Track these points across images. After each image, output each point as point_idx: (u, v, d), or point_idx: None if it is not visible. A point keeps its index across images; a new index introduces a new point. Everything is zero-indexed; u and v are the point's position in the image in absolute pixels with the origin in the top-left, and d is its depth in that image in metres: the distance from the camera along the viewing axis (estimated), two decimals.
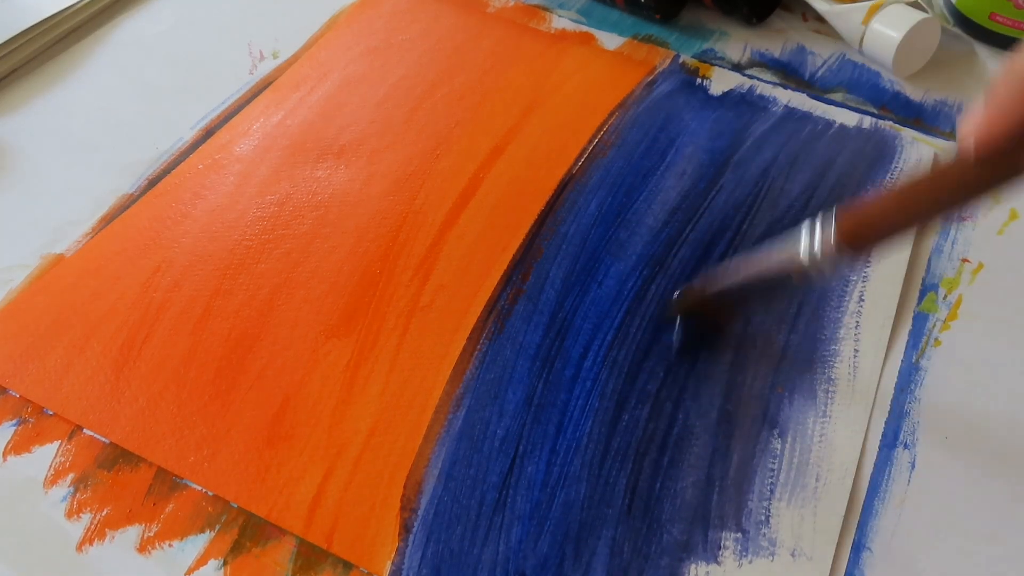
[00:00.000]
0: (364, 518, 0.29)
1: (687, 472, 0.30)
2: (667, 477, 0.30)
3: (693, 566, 0.28)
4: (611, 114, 0.42)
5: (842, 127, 0.41)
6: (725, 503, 0.29)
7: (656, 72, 0.44)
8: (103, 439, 0.31)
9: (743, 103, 0.43)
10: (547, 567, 0.28)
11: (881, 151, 0.40)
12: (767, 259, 0.29)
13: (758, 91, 0.43)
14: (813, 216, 0.27)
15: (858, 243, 0.26)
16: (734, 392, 0.32)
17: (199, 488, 0.30)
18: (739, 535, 0.28)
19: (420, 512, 0.29)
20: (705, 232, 0.37)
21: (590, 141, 0.41)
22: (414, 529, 0.28)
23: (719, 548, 0.28)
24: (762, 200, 0.38)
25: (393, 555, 0.28)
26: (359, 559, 0.28)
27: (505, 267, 0.36)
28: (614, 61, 0.45)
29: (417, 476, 0.30)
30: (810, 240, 0.26)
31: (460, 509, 0.29)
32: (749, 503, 0.29)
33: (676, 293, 0.34)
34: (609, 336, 0.33)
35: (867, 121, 0.42)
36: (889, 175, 0.39)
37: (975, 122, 0.22)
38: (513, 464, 0.30)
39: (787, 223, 0.37)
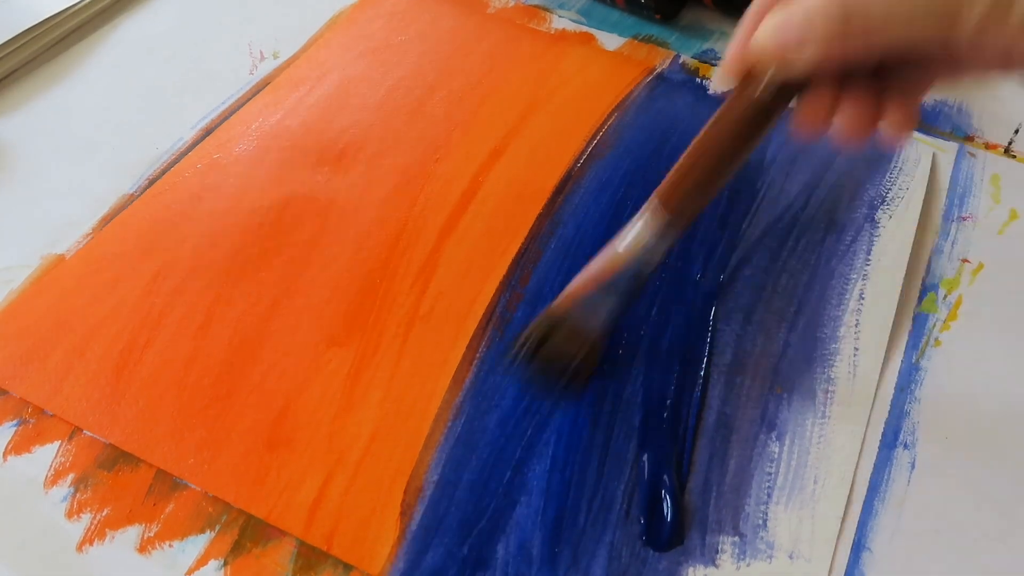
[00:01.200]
0: (364, 522, 0.29)
1: (687, 474, 0.30)
2: (667, 479, 0.30)
3: (691, 570, 0.28)
4: (610, 115, 0.42)
5: None
6: (723, 507, 0.29)
7: (656, 72, 0.44)
8: (104, 440, 0.31)
9: None
10: (546, 571, 0.28)
11: (880, 151, 0.40)
12: (594, 264, 0.27)
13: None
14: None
15: (671, 201, 0.26)
16: (732, 394, 0.32)
17: (199, 489, 0.30)
18: (736, 538, 0.28)
19: (420, 517, 0.29)
20: (705, 232, 0.37)
21: (589, 143, 0.41)
22: (414, 533, 0.28)
23: (717, 552, 0.28)
24: (761, 200, 0.38)
25: (393, 559, 0.28)
26: (359, 561, 0.28)
27: (504, 271, 0.35)
28: (613, 62, 0.45)
29: (417, 481, 0.30)
30: (632, 231, 0.27)
31: (460, 514, 0.29)
32: (747, 507, 0.29)
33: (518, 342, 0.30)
34: (608, 344, 0.33)
35: None
36: (888, 175, 0.39)
37: (731, 59, 0.26)
38: (512, 470, 0.30)
39: (787, 223, 0.37)
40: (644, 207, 0.27)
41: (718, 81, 0.26)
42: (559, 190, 0.38)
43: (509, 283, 0.35)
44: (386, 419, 0.31)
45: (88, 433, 0.31)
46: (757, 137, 0.25)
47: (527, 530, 0.28)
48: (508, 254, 0.36)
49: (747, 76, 0.25)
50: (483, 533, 0.28)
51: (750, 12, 0.26)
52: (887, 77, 0.25)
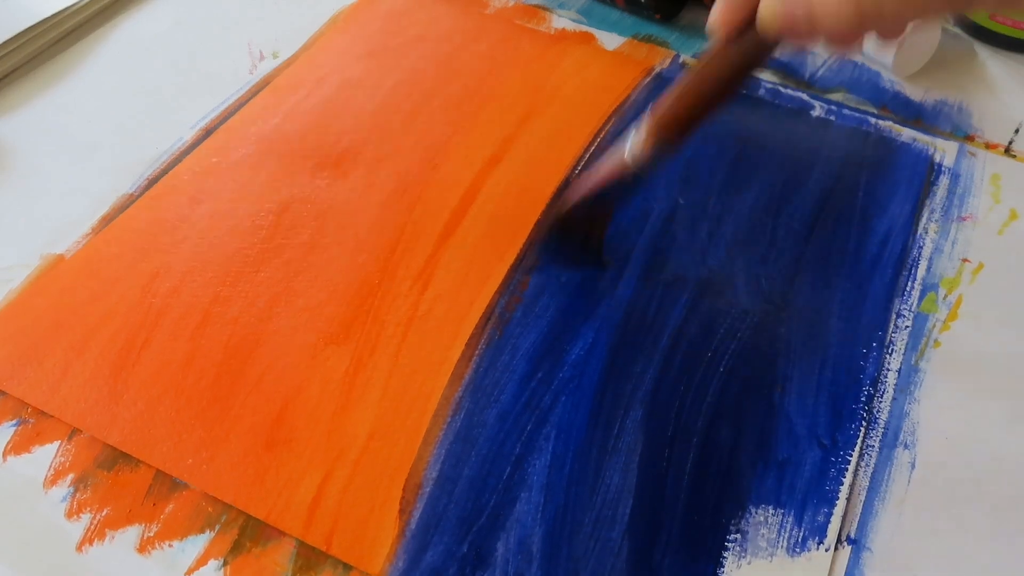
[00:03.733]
0: (363, 520, 0.29)
1: (687, 474, 0.30)
2: (666, 479, 0.30)
3: (693, 566, 0.28)
4: (609, 118, 0.42)
5: (842, 127, 0.41)
6: (724, 505, 0.29)
7: (656, 72, 0.44)
8: (102, 440, 0.31)
9: (743, 104, 0.43)
10: (546, 568, 0.28)
11: (881, 151, 0.40)
12: (603, 167, 0.31)
13: (758, 91, 0.43)
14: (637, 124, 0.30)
15: (667, 128, 0.29)
16: (732, 390, 0.32)
17: (199, 489, 0.30)
18: (738, 536, 0.28)
19: (419, 514, 0.29)
20: (704, 237, 0.37)
21: (588, 146, 0.41)
22: (413, 531, 0.28)
23: (718, 550, 0.28)
24: (761, 200, 0.38)
25: (392, 557, 0.28)
26: (358, 561, 0.28)
27: (504, 274, 0.35)
28: (613, 62, 0.45)
29: (416, 479, 0.30)
30: (633, 142, 0.29)
31: (459, 511, 0.29)
32: (747, 504, 0.29)
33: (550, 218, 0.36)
34: (607, 341, 0.33)
35: (867, 122, 0.42)
36: (888, 175, 0.39)
37: (718, 12, 0.26)
38: (512, 466, 0.30)
39: (786, 222, 0.37)
40: (642, 121, 0.29)
41: (716, 22, 0.27)
42: (558, 196, 0.38)
43: (508, 286, 0.35)
44: (384, 417, 0.31)
45: (87, 433, 0.31)
46: (755, 70, 0.28)
47: (527, 526, 0.28)
48: (508, 258, 0.36)
49: (734, 33, 0.26)
50: (483, 530, 0.28)
51: None
52: None
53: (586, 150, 0.40)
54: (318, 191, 0.39)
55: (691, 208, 0.38)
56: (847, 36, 0.23)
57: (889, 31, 0.25)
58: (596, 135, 0.41)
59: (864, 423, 0.31)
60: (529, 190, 0.39)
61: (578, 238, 0.35)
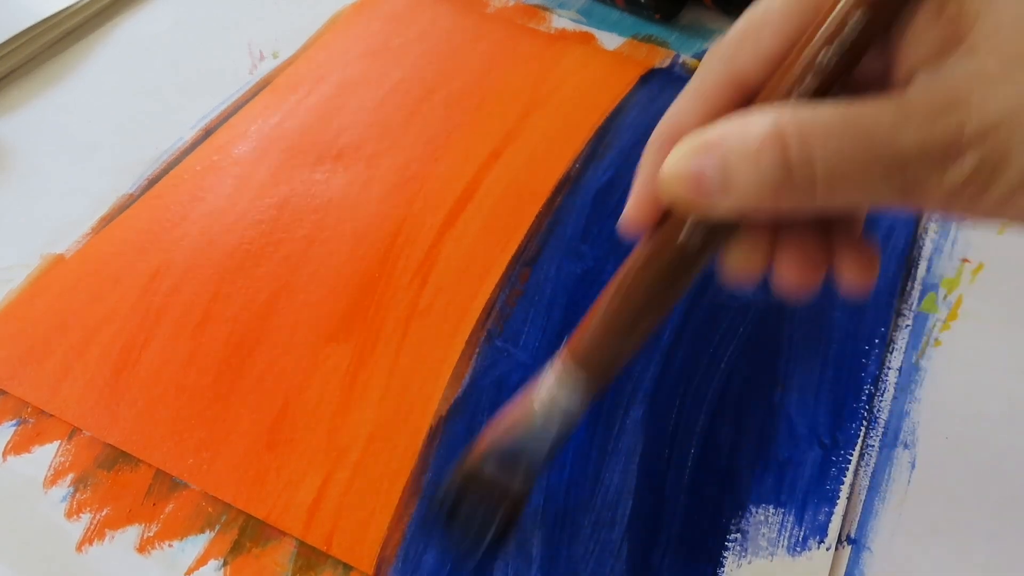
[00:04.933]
0: (363, 521, 0.29)
1: (687, 474, 0.30)
2: (666, 478, 0.30)
3: (692, 566, 0.28)
4: (609, 115, 0.42)
5: None
6: (725, 503, 0.29)
7: (656, 72, 0.44)
8: (103, 440, 0.31)
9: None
10: (546, 571, 0.28)
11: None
12: (508, 414, 0.24)
13: None
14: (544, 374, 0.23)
15: (587, 357, 0.22)
16: (733, 389, 0.32)
17: (199, 489, 0.30)
18: (738, 535, 0.28)
19: (419, 516, 0.29)
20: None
21: (588, 142, 0.41)
22: (413, 533, 0.28)
23: (718, 549, 0.28)
24: None
25: (392, 559, 0.28)
26: (358, 561, 0.28)
27: (504, 269, 0.36)
28: (613, 62, 0.45)
29: (417, 480, 0.30)
30: (543, 381, 0.23)
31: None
32: (748, 504, 0.29)
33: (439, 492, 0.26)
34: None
35: None
36: None
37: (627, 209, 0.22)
38: None
39: None
40: (554, 359, 0.23)
41: (627, 221, 0.21)
42: (559, 189, 0.38)
43: (508, 280, 0.35)
44: (385, 417, 0.31)
45: (88, 433, 0.31)
46: (683, 283, 0.21)
47: (526, 529, 0.28)
48: (507, 252, 0.36)
49: (665, 213, 0.21)
50: None
51: (654, 138, 0.21)
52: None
53: (587, 145, 0.40)
54: (318, 185, 0.39)
55: None
56: (764, 204, 0.17)
57: (821, 207, 0.17)
58: (597, 131, 0.41)
59: (865, 422, 0.31)
60: (530, 185, 0.39)
61: (479, 511, 0.25)
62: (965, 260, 0.36)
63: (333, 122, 0.42)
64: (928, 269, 0.36)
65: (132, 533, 0.29)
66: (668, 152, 0.19)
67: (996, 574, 0.28)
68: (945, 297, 0.35)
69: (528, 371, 0.32)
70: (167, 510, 0.29)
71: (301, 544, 0.28)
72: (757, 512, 0.29)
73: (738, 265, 0.21)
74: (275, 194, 0.39)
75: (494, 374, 0.32)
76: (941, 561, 0.28)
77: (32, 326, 0.34)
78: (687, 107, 0.21)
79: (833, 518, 0.29)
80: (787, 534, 0.28)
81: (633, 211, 0.21)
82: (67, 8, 0.46)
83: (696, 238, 0.20)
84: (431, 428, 0.31)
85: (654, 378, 0.32)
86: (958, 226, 0.37)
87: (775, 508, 0.29)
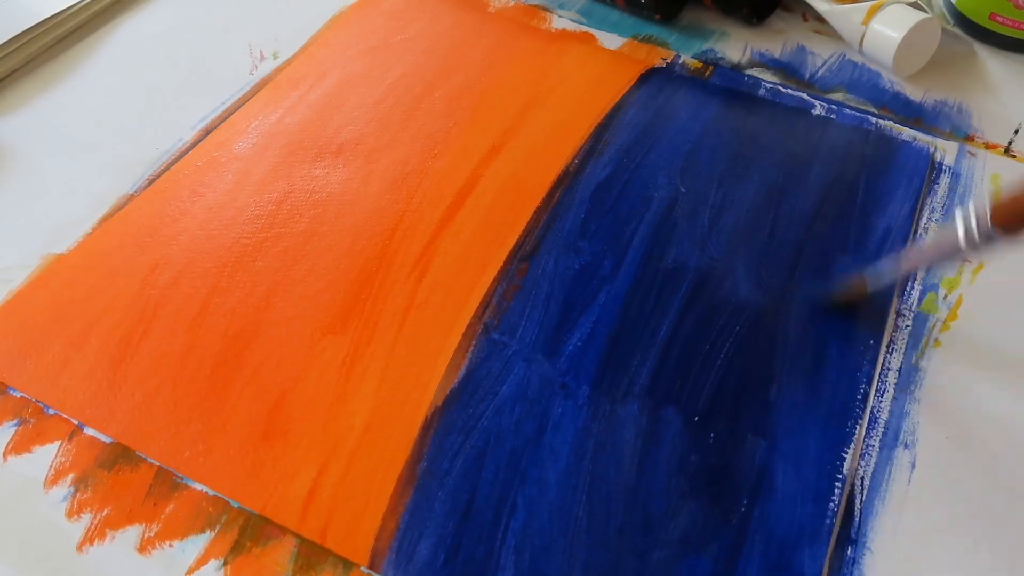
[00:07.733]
0: (358, 513, 0.29)
1: (682, 468, 0.30)
2: (663, 475, 0.30)
3: (691, 563, 0.28)
4: (609, 113, 0.42)
5: (842, 128, 0.41)
6: (724, 501, 0.29)
7: (655, 71, 0.44)
8: (104, 439, 0.31)
9: (743, 103, 0.43)
10: (543, 562, 0.28)
11: (881, 152, 0.40)
12: (930, 250, 0.31)
13: (759, 91, 0.43)
14: (964, 206, 0.30)
15: (1013, 226, 0.28)
16: (729, 385, 0.32)
17: (200, 488, 0.30)
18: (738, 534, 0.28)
19: (414, 507, 0.29)
20: (704, 230, 0.37)
21: (587, 139, 0.41)
22: (408, 524, 0.28)
23: (718, 547, 0.28)
24: (761, 199, 0.38)
25: (387, 551, 0.28)
26: (353, 553, 0.28)
27: (501, 263, 0.36)
28: (613, 60, 0.45)
29: (411, 472, 0.30)
30: (966, 229, 0.28)
31: (455, 504, 0.29)
32: (746, 503, 0.29)
33: (835, 287, 0.34)
34: (605, 331, 0.33)
35: (867, 121, 0.42)
36: (888, 175, 0.39)
37: None
38: (507, 460, 0.30)
39: (786, 217, 0.37)
40: (971, 206, 0.28)
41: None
42: (557, 185, 0.39)
43: (506, 274, 0.35)
44: (381, 408, 0.31)
45: (88, 432, 0.31)
46: None
47: (522, 520, 0.28)
48: (505, 246, 0.36)
49: None
50: (477, 523, 0.28)
51: None
52: None
53: (586, 142, 0.40)
54: (317, 180, 0.39)
55: (692, 196, 0.38)
56: None
57: None
58: (596, 128, 0.41)
59: (864, 422, 0.31)
60: (528, 180, 0.39)
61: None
62: (965, 260, 0.36)
63: (333, 118, 0.42)
64: (928, 269, 0.36)
65: (132, 533, 0.29)
66: None
67: (996, 574, 0.28)
68: (945, 297, 0.35)
69: (524, 363, 0.32)
70: (168, 510, 0.29)
71: (301, 543, 0.28)
72: (756, 512, 0.29)
73: None
74: (275, 189, 0.39)
75: (490, 366, 0.32)
76: (941, 561, 0.28)
77: (31, 320, 0.34)
78: None
79: (832, 518, 0.29)
80: (784, 533, 0.28)
81: None
82: (67, 8, 0.46)
83: None
84: (426, 419, 0.31)
85: (650, 373, 0.32)
86: None
87: (774, 507, 0.29)
